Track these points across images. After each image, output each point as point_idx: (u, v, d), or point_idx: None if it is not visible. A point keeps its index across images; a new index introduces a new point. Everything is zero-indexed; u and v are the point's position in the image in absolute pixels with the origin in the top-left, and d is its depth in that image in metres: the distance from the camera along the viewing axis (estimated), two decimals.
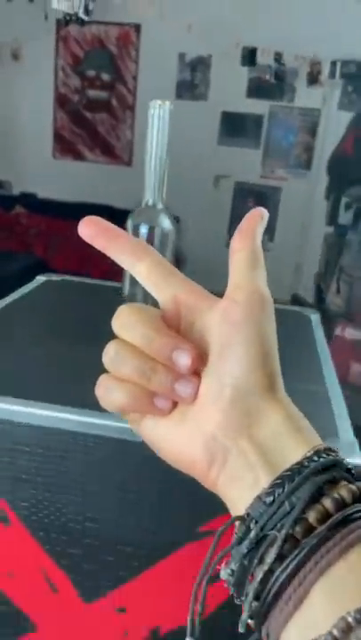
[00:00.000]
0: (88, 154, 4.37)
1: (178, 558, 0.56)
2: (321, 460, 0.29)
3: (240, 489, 0.30)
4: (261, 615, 0.27)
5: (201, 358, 0.32)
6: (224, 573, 0.29)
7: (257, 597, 0.27)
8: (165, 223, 0.69)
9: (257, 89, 3.87)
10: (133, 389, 0.32)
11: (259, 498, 0.29)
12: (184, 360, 0.31)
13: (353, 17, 3.20)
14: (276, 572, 0.27)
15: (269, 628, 0.27)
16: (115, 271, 0.70)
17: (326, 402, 0.61)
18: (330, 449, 0.30)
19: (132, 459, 0.53)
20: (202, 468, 0.32)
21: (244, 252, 0.34)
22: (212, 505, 0.53)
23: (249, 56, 3.25)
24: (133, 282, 0.73)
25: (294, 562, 0.26)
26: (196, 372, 0.32)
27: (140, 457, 0.51)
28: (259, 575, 0.27)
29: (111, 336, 0.72)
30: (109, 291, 0.88)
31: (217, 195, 4.24)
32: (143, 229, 0.70)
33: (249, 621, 0.28)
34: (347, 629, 0.23)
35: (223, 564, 0.29)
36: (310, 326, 0.85)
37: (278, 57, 3.40)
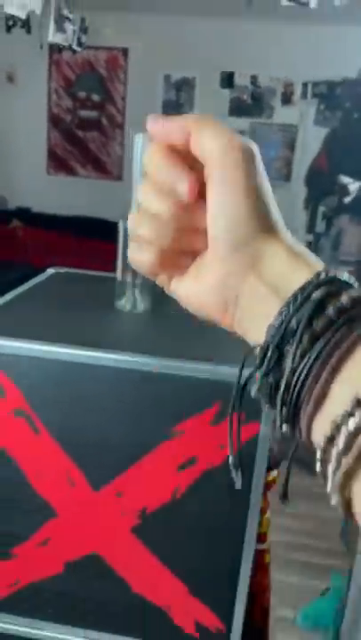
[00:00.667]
0: (80, 170, 4.63)
1: (159, 452, 0.79)
2: (321, 278, 0.31)
3: (255, 323, 0.33)
4: (291, 419, 0.30)
5: (201, 193, 0.34)
6: (253, 393, 0.32)
7: (284, 403, 0.30)
8: None
9: (238, 108, 4.15)
10: (155, 250, 0.36)
11: (271, 325, 0.31)
12: (182, 187, 0.34)
13: (320, 42, 3.49)
14: (294, 378, 0.29)
15: (301, 428, 0.30)
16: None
17: None
18: (330, 270, 0.32)
19: (126, 381, 0.77)
20: (220, 311, 0.35)
21: (181, 124, 0.35)
22: (181, 412, 0.76)
23: (227, 79, 3.53)
24: (125, 270, 0.97)
25: (307, 366, 0.29)
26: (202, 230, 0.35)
27: (135, 378, 0.75)
28: (281, 385, 0.30)
29: (108, 308, 0.95)
30: (108, 279, 1.12)
31: None
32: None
33: (284, 428, 0.31)
34: (358, 405, 0.26)
35: (252, 388, 0.32)
36: None
37: (254, 79, 3.69)
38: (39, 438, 0.80)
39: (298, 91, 3.65)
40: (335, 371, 0.28)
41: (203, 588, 0.84)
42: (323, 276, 0.31)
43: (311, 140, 4.02)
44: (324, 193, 3.71)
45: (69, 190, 4.62)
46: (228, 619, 0.84)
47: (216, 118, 0.35)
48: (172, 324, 0.95)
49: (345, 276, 0.32)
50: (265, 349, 0.31)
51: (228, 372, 0.74)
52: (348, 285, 0.31)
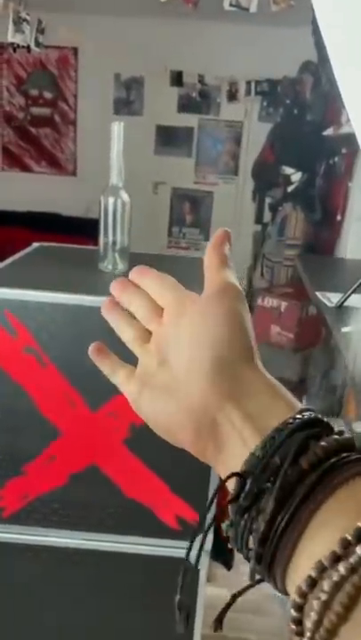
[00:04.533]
0: (35, 166, 4.74)
1: None
2: (305, 417, 0.31)
3: (229, 454, 0.32)
4: (267, 562, 0.28)
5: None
6: (224, 526, 0.31)
7: (262, 544, 0.28)
8: (125, 196, 1.12)
9: (186, 105, 4.36)
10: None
11: (252, 454, 0.30)
12: None
13: (262, 43, 3.75)
14: (278, 520, 0.28)
15: (275, 572, 0.29)
16: None
17: None
18: (310, 409, 0.32)
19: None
20: (192, 436, 0.34)
21: (215, 257, 0.40)
22: None
23: (177, 78, 3.73)
24: (106, 237, 1.15)
25: (292, 507, 0.28)
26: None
27: None
28: (261, 525, 0.28)
29: (93, 269, 1.13)
30: (87, 250, 1.30)
31: (156, 200, 4.68)
32: (110, 201, 1.12)
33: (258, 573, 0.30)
34: (347, 545, 0.25)
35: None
36: None
37: (201, 78, 3.91)
38: (46, 370, 0.98)
39: (242, 88, 3.89)
40: (313, 514, 0.28)
41: (181, 486, 1.04)
42: (305, 414, 0.32)
43: (256, 135, 4.25)
44: (270, 185, 3.96)
45: (24, 186, 4.70)
46: (202, 510, 1.04)
47: None
48: None
49: (326, 419, 0.32)
50: (243, 482, 0.30)
51: None
52: (327, 428, 0.32)
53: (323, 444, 0.30)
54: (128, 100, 4.52)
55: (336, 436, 0.30)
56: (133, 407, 0.40)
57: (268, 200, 4.13)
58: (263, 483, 0.29)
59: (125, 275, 1.14)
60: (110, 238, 1.14)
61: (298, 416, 0.31)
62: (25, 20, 2.60)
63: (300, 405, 0.33)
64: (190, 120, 4.40)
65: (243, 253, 4.37)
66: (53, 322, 0.96)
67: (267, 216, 4.15)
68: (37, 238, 1.44)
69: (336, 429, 0.32)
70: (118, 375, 0.44)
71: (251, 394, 0.33)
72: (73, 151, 4.70)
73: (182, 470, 1.04)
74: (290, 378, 2.50)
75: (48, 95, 4.65)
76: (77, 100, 4.62)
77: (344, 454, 0.29)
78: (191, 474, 1.04)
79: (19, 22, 2.60)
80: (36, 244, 1.35)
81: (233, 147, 4.50)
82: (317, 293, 1.45)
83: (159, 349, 0.39)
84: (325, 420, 0.32)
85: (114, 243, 1.15)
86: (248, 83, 3.83)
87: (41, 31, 2.66)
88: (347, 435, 0.31)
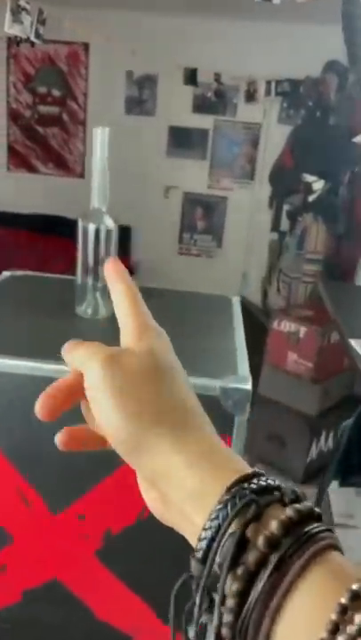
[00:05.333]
0: (41, 166, 4.51)
1: (122, 471, 0.74)
2: (239, 501, 0.28)
3: (189, 538, 0.31)
4: None
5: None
6: (191, 632, 0.30)
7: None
8: (109, 223, 0.88)
9: (201, 105, 4.12)
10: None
11: (193, 557, 0.29)
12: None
13: (283, 40, 3.49)
14: (238, 626, 0.26)
15: None
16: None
17: (233, 353, 0.80)
18: (254, 474, 0.29)
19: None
20: (156, 512, 0.35)
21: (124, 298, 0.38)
22: None
23: (190, 76, 3.49)
24: (85, 273, 0.91)
25: (248, 615, 0.26)
26: None
27: None
28: (225, 630, 0.27)
29: (68, 314, 0.88)
30: (67, 282, 1.05)
31: (167, 204, 4.45)
32: (91, 228, 0.88)
33: None
34: None
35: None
36: (231, 307, 1.05)
37: (217, 77, 3.65)
38: None
39: (261, 88, 3.63)
40: (273, 622, 0.25)
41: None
42: (236, 495, 0.28)
43: (275, 138, 4.01)
44: (289, 191, 3.70)
45: (30, 187, 4.50)
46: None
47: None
48: None
49: (259, 484, 0.29)
50: (196, 585, 0.29)
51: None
52: (265, 492, 0.29)
53: (266, 533, 0.26)
54: (140, 99, 4.29)
55: (282, 517, 0.27)
56: None
57: (286, 207, 3.87)
58: (212, 592, 0.28)
59: (109, 321, 0.90)
60: (90, 275, 0.90)
61: (227, 497, 0.28)
62: (24, 9, 2.36)
63: (233, 472, 0.29)
64: (205, 121, 4.17)
65: (258, 263, 4.12)
66: (2, 396, 0.72)
67: (284, 224, 3.89)
68: (42, 241, 1.19)
69: (284, 490, 0.29)
70: None
71: (169, 474, 0.31)
72: (82, 152, 4.48)
73: (170, 590, 0.79)
74: (308, 412, 2.23)
75: (57, 93, 4.43)
76: (87, 99, 4.39)
77: (295, 537, 0.26)
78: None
79: (17, 12, 2.36)
80: (7, 273, 1.11)
81: (250, 150, 4.26)
82: (352, 341, 1.20)
83: None
84: (268, 483, 0.29)
85: (95, 279, 0.90)
86: (268, 82, 3.57)
87: (42, 22, 2.42)
88: (296, 505, 0.27)
